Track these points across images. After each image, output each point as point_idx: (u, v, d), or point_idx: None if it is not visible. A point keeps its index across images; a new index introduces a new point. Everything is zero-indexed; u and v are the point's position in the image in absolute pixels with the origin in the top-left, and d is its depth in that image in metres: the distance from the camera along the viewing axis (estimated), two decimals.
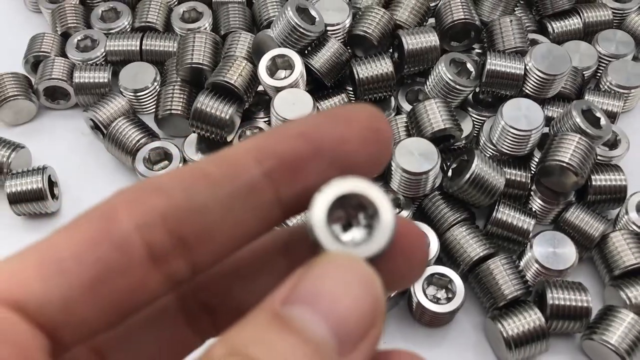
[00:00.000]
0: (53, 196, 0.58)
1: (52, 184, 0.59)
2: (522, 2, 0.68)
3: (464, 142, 0.59)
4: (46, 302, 0.19)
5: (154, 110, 0.63)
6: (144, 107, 0.64)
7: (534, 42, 0.63)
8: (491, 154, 0.57)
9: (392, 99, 0.62)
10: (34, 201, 0.57)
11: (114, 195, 0.21)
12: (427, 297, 0.51)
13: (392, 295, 0.51)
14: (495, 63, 0.58)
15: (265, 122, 0.60)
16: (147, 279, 0.21)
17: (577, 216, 0.55)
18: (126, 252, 0.20)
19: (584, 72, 0.63)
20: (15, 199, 0.57)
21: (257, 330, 0.19)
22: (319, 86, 0.60)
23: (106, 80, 0.64)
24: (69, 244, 0.20)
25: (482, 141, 0.58)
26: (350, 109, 0.23)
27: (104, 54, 0.66)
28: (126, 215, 0.21)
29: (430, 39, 0.60)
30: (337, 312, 0.19)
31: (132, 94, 0.63)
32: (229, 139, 0.59)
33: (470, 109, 0.61)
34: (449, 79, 0.57)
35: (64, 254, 0.20)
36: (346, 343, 0.19)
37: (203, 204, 0.21)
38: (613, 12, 0.68)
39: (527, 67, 0.58)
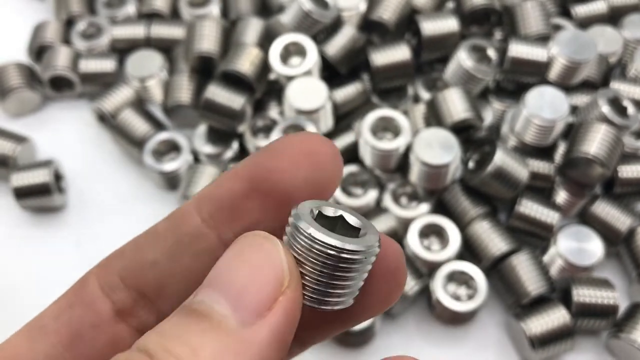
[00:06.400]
0: (59, 190, 0.56)
1: (58, 177, 0.57)
2: None
3: (484, 132, 0.56)
4: None
5: (162, 100, 0.61)
6: (151, 96, 0.62)
7: (557, 27, 0.61)
8: (513, 145, 0.55)
9: (410, 87, 0.59)
10: (40, 195, 0.55)
11: (91, 268, 0.25)
12: (447, 294, 0.49)
13: (410, 293, 0.49)
14: (517, 49, 0.55)
15: (278, 112, 0.58)
16: (118, 332, 0.24)
17: (604, 209, 0.53)
18: (95, 310, 0.24)
19: (608, 58, 0.61)
20: (21, 193, 0.55)
21: (171, 327, 0.20)
22: (333, 74, 0.57)
23: (112, 69, 0.62)
24: (52, 310, 0.24)
25: (504, 131, 0.56)
26: (285, 138, 0.24)
27: (109, 42, 0.64)
28: (95, 280, 0.24)
29: (450, 24, 0.57)
30: (235, 286, 0.20)
31: (138, 82, 0.61)
32: (240, 130, 0.57)
33: (491, 97, 0.58)
34: (469, 66, 0.55)
35: (46, 319, 0.24)
36: (248, 313, 0.20)
37: (152, 258, 0.24)
38: None
39: (552, 54, 0.55)
